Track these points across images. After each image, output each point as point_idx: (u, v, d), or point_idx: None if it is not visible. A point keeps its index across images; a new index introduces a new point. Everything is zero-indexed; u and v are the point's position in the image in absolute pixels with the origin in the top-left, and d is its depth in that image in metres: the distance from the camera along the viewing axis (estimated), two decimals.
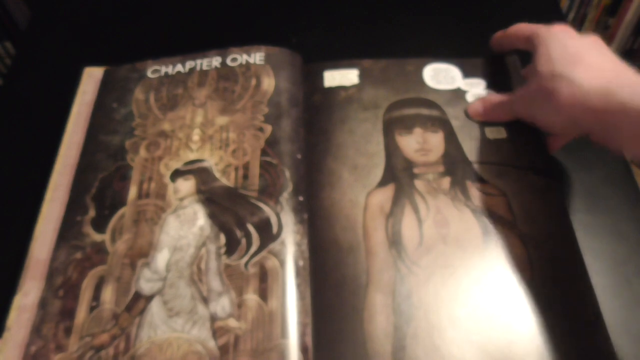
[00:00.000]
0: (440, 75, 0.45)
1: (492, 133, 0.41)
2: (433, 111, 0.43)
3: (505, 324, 0.33)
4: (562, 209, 0.38)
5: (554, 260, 0.36)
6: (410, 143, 0.41)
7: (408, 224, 0.37)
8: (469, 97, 0.43)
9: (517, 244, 0.36)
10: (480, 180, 0.39)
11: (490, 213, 0.37)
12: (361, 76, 0.45)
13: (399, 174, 0.39)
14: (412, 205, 0.38)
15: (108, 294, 0.35)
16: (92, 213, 0.39)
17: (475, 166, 0.40)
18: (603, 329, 0.33)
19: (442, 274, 0.35)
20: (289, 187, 0.38)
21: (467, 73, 0.45)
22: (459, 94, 0.44)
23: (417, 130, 0.41)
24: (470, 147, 0.41)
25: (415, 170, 0.40)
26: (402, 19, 0.54)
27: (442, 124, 0.42)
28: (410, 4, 0.56)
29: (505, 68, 0.45)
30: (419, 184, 0.39)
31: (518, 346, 0.33)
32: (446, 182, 0.39)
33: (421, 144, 0.41)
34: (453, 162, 0.40)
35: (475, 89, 0.44)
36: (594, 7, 1.15)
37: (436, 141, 0.41)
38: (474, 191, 0.38)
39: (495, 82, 0.44)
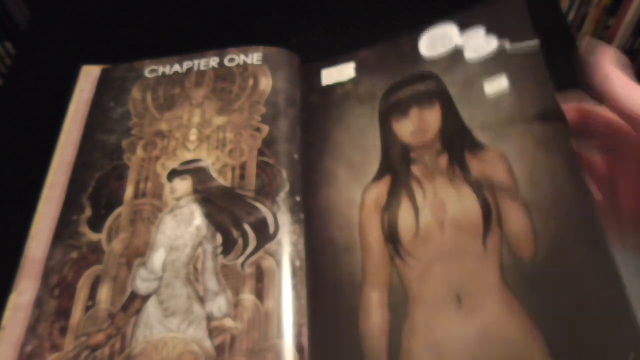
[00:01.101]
0: (437, 42, 0.42)
1: (492, 87, 0.38)
2: (428, 84, 0.41)
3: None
4: (573, 159, 0.33)
5: (563, 233, 0.31)
6: (406, 126, 0.40)
7: (404, 215, 0.36)
8: (467, 53, 0.40)
9: (520, 216, 0.33)
10: (479, 147, 0.37)
11: (489, 184, 0.35)
12: (357, 68, 0.44)
13: (395, 163, 0.38)
14: (408, 193, 0.37)
15: (104, 293, 0.35)
16: (88, 212, 0.39)
17: (475, 132, 0.37)
18: (631, 317, 0.27)
19: (438, 265, 0.34)
20: (286, 187, 0.38)
21: (464, 25, 0.41)
22: (456, 56, 0.41)
23: (413, 111, 0.40)
24: (470, 113, 0.38)
25: (412, 155, 0.38)
26: (402, 19, 0.54)
27: (438, 96, 0.40)
28: (410, 4, 0.55)
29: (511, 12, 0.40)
30: (415, 168, 0.38)
31: (517, 339, 0.30)
32: (444, 159, 0.37)
33: (416, 125, 0.39)
34: (450, 135, 0.38)
35: (474, 40, 0.41)
36: (594, 7, 1.14)
37: (432, 117, 0.39)
38: (473, 162, 0.36)
39: (497, 27, 0.40)
